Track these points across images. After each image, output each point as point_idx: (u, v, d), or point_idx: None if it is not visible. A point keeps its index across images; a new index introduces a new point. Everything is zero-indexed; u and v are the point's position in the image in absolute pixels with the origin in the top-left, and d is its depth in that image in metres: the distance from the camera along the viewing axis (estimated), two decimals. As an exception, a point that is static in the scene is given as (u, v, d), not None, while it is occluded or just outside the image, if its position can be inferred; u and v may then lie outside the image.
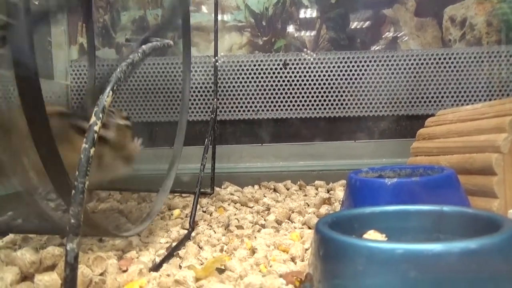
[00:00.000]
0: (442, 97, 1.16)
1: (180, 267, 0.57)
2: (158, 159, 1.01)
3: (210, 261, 0.49)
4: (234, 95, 1.17)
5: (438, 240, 0.44)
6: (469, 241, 0.32)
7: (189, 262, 0.57)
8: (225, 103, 1.18)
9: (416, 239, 0.45)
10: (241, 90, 1.17)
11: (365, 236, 0.44)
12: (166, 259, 0.59)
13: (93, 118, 0.38)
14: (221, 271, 0.50)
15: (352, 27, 1.18)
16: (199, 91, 1.17)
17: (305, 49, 1.18)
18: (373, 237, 0.44)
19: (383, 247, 0.33)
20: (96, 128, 0.38)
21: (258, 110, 1.18)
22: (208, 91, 1.17)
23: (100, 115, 0.39)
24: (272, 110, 1.18)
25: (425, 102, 1.16)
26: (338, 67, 1.16)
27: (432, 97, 1.16)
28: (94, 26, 1.12)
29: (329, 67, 1.16)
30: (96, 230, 0.49)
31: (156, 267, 0.54)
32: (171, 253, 0.63)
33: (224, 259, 0.52)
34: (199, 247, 0.68)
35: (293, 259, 0.58)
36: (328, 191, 1.05)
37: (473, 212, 0.41)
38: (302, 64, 1.16)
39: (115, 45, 1.17)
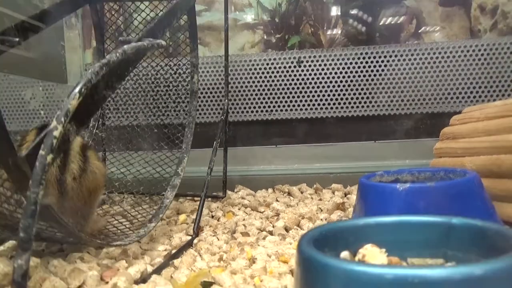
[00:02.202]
0: (471, 92, 1.06)
1: (172, 278, 0.54)
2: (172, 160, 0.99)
3: (192, 275, 0.45)
4: (247, 95, 1.14)
5: (446, 256, 0.38)
6: (473, 265, 0.27)
7: (181, 273, 0.54)
8: (237, 104, 1.14)
9: (421, 255, 0.39)
10: (254, 90, 1.13)
11: (361, 251, 0.39)
12: (158, 269, 0.56)
13: (53, 123, 0.35)
14: (208, 284, 0.47)
15: (371, 21, 1.11)
16: (211, 92, 1.15)
17: (320, 46, 1.12)
18: (370, 252, 0.39)
19: (369, 272, 0.28)
20: (56, 133, 0.35)
21: (272, 110, 1.14)
22: (220, 92, 1.14)
23: (62, 119, 0.36)
24: (286, 110, 1.13)
25: (451, 98, 1.07)
26: (356, 63, 1.09)
27: (460, 93, 1.07)
28: (106, 27, 1.11)
29: (346, 63, 1.10)
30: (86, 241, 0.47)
31: (144, 279, 0.51)
32: (167, 262, 0.60)
33: (209, 273, 0.48)
34: (200, 255, 0.65)
35: (292, 272, 0.54)
36: (345, 195, 1.00)
37: (485, 226, 0.35)
38: (317, 61, 1.11)
39: (128, 47, 1.16)
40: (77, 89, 0.39)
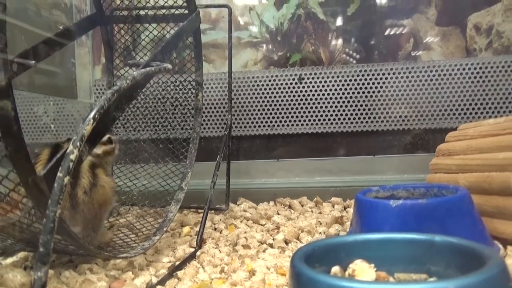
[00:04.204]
0: (468, 109, 1.09)
1: (175, 289, 0.57)
2: (176, 175, 1.02)
3: (194, 287, 0.48)
4: (249, 110, 1.17)
5: (429, 272, 0.41)
6: (447, 281, 0.30)
7: (185, 285, 0.57)
8: (240, 119, 1.18)
9: (407, 270, 0.42)
10: (256, 106, 1.17)
11: (351, 266, 0.42)
12: (162, 281, 0.59)
13: (70, 147, 0.39)
14: (209, 296, 0.50)
15: (370, 39, 1.15)
16: (215, 107, 1.18)
17: (321, 63, 1.16)
18: (360, 268, 0.42)
19: (354, 287, 0.31)
20: (72, 157, 0.38)
21: (273, 125, 1.17)
22: (224, 107, 1.18)
23: (78, 144, 0.39)
24: (288, 125, 1.17)
25: (448, 115, 1.10)
26: (355, 80, 1.13)
27: (456, 110, 1.10)
28: (115, 47, 1.16)
29: (345, 80, 1.13)
30: (91, 252, 0.50)
31: (149, 290, 0.55)
32: (171, 273, 0.63)
33: (210, 284, 0.51)
34: (202, 267, 0.67)
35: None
36: (344, 208, 1.02)
37: (463, 244, 0.38)
38: (318, 78, 1.14)
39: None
40: (91, 115, 0.42)
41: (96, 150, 0.69)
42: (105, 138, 0.70)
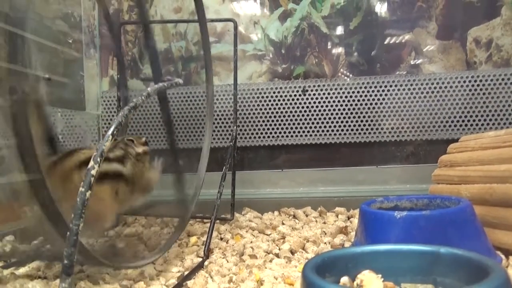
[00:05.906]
0: (468, 121, 1.11)
1: (186, 298, 0.58)
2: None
3: (206, 297, 0.49)
4: (254, 121, 1.20)
5: (435, 282, 0.43)
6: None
7: (195, 294, 0.59)
8: (245, 130, 1.20)
9: (413, 280, 0.44)
10: (261, 117, 1.19)
11: (359, 276, 0.44)
12: (172, 290, 0.61)
13: (91, 163, 0.41)
14: (220, 305, 0.51)
15: (372, 52, 1.18)
16: (220, 119, 1.21)
17: (324, 76, 1.19)
18: (368, 278, 0.43)
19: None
20: (93, 172, 0.40)
21: (278, 136, 1.19)
22: (229, 119, 1.20)
23: (98, 159, 0.41)
24: (292, 136, 1.19)
25: (449, 126, 1.12)
26: (358, 92, 1.15)
27: (458, 121, 1.12)
28: (124, 59, 1.19)
29: (348, 92, 1.16)
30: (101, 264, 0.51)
31: (161, 299, 0.56)
32: (181, 283, 0.64)
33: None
34: (211, 276, 0.69)
35: (297, 294, 0.58)
36: (348, 218, 1.04)
37: (468, 256, 0.40)
38: (321, 90, 1.17)
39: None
40: (109, 132, 0.44)
41: (138, 150, 0.78)
42: (143, 139, 0.81)
